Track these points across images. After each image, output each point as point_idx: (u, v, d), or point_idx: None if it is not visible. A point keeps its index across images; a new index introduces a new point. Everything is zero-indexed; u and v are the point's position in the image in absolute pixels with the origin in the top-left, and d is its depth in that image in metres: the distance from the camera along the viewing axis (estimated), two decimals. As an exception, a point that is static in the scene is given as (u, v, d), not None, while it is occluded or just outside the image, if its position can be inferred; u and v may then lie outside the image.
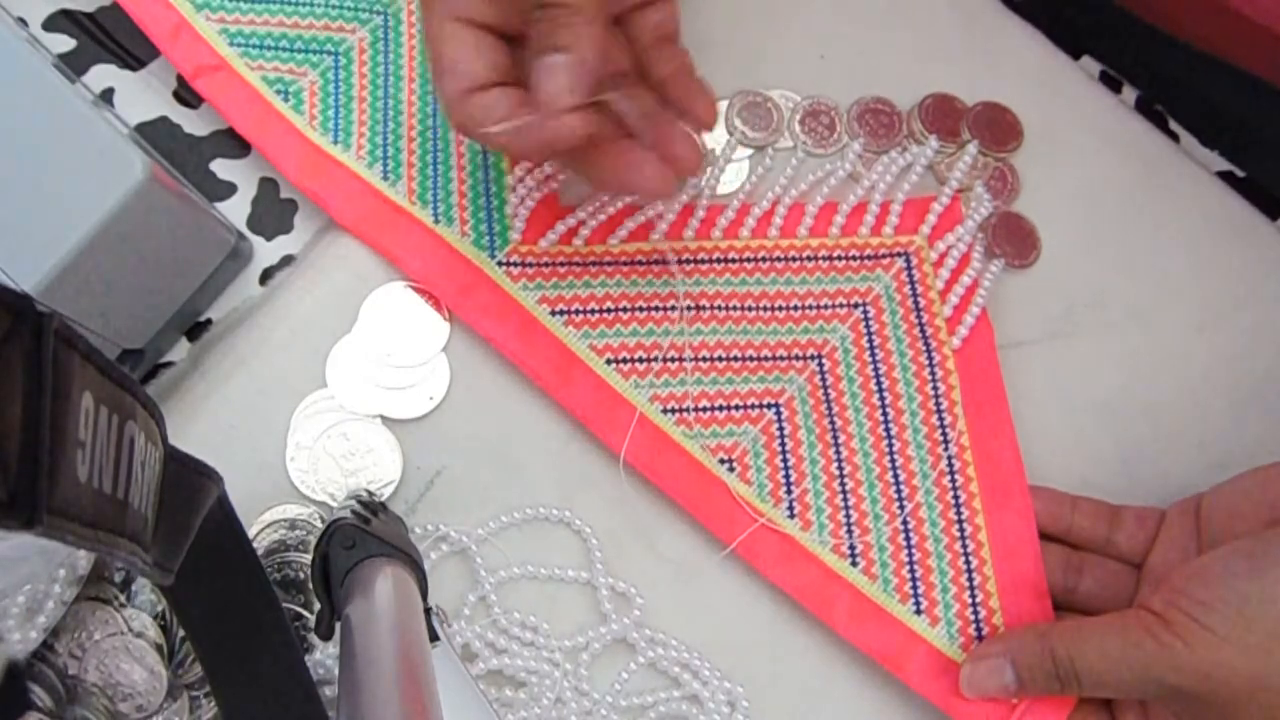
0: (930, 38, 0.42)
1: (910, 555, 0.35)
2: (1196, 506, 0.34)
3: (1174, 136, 0.41)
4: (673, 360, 0.37)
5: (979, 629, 0.34)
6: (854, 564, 0.35)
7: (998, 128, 0.40)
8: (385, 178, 0.39)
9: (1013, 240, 0.39)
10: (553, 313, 0.37)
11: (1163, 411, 0.38)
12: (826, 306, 0.38)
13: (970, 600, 0.35)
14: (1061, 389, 0.38)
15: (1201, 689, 0.28)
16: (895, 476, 0.36)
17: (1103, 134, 0.41)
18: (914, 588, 0.35)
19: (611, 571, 0.36)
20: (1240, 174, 0.40)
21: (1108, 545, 0.35)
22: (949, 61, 0.42)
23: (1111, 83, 0.41)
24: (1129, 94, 0.41)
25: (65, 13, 0.41)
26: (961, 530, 0.35)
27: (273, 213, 0.40)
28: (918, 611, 0.35)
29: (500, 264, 0.38)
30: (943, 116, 0.40)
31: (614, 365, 0.37)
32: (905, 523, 0.36)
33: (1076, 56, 0.42)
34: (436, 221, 0.39)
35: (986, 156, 0.40)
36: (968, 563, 0.35)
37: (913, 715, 0.36)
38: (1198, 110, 0.41)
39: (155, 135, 0.40)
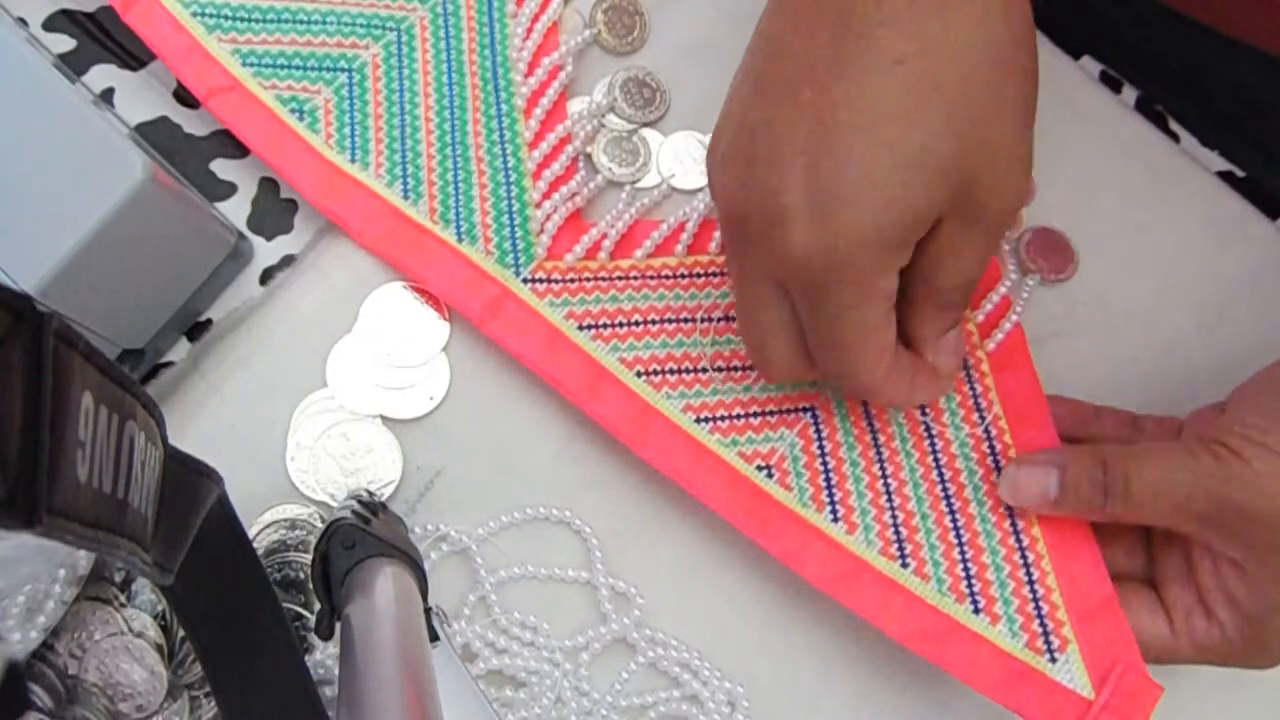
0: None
1: (963, 553, 0.34)
2: (1221, 407, 0.34)
3: (1174, 136, 0.41)
4: (704, 370, 0.37)
5: (1043, 624, 0.33)
6: (904, 565, 0.34)
7: None
8: (406, 196, 0.39)
9: (1048, 255, 0.39)
10: (580, 328, 0.37)
11: (1163, 412, 0.38)
12: None
13: (1031, 595, 0.34)
14: (1061, 389, 0.38)
15: (1253, 503, 0.29)
16: (940, 475, 0.35)
17: (1103, 134, 0.41)
18: (969, 586, 0.34)
19: (611, 571, 0.36)
20: (1240, 174, 0.40)
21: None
22: (949, 61, 0.42)
23: (1111, 83, 0.41)
24: (1129, 94, 0.41)
25: (65, 13, 0.41)
26: (1014, 525, 0.35)
27: (273, 213, 0.40)
28: (976, 610, 0.33)
29: (526, 281, 0.38)
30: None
31: (644, 378, 0.36)
32: (955, 520, 0.35)
33: (1077, 56, 0.42)
34: (460, 240, 0.38)
35: None
36: (1024, 557, 0.34)
37: (913, 714, 0.36)
38: (1222, 97, 0.41)
39: (155, 135, 0.40)
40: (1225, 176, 0.40)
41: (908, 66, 0.26)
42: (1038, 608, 0.33)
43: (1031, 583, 0.34)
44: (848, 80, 0.27)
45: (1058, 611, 0.33)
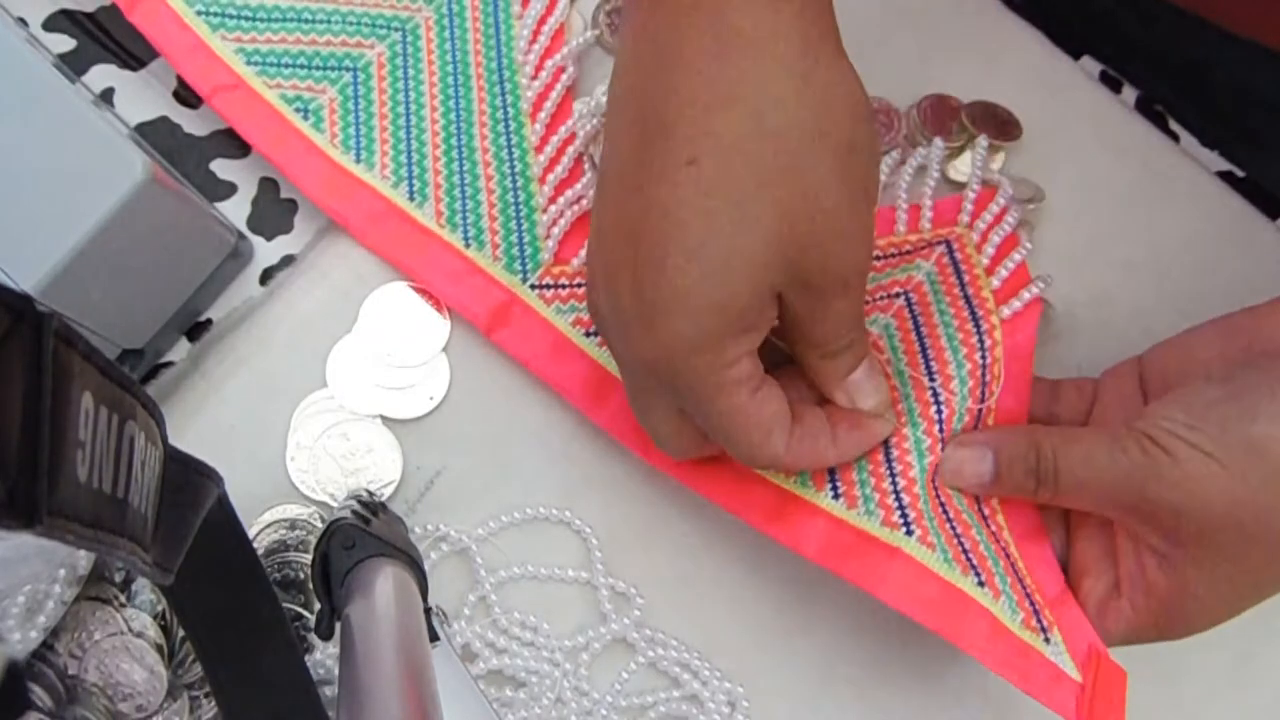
0: (929, 37, 0.42)
1: (952, 526, 0.33)
2: (1138, 367, 0.35)
3: (1174, 136, 0.41)
4: None
5: (1031, 602, 0.32)
6: (909, 534, 0.32)
7: (996, 121, 0.40)
8: (412, 199, 0.39)
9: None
10: (587, 334, 0.37)
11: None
12: (867, 302, 0.35)
13: (1014, 571, 0.33)
14: (1061, 389, 0.38)
15: (1180, 501, 0.29)
16: (944, 446, 0.34)
17: (1103, 134, 0.41)
18: (969, 559, 0.32)
19: (611, 571, 0.36)
20: (1240, 174, 0.40)
21: (1049, 418, 0.35)
22: (948, 61, 0.42)
23: (1111, 83, 0.41)
24: (1129, 94, 0.41)
25: (65, 13, 0.41)
26: (980, 506, 0.34)
27: (273, 213, 0.40)
28: (980, 584, 0.32)
29: (533, 287, 0.38)
30: (940, 116, 0.40)
31: None
32: (955, 492, 0.34)
33: (1077, 56, 0.42)
34: (468, 245, 0.38)
35: (998, 151, 0.40)
36: (1002, 536, 0.33)
37: (913, 714, 0.36)
38: (1223, 95, 0.41)
39: (155, 135, 0.40)
40: (1225, 176, 0.40)
41: (699, 166, 0.26)
42: (1023, 585, 0.32)
43: (1011, 560, 0.33)
44: (651, 186, 0.27)
45: (1036, 594, 0.32)
